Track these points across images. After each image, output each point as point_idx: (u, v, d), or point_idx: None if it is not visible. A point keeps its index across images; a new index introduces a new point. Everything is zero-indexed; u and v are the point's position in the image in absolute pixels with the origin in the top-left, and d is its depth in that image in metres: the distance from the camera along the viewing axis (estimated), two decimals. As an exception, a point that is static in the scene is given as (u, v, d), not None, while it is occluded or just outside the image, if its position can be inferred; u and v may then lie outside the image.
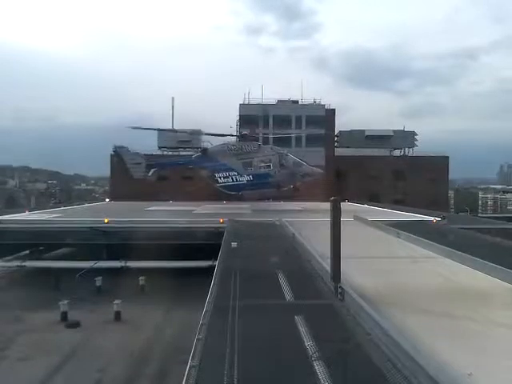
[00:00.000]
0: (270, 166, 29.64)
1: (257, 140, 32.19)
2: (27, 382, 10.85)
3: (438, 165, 58.60)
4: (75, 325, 14.79)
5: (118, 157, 31.78)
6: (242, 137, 31.60)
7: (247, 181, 29.66)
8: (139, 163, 30.99)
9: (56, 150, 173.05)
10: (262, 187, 30.87)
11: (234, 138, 32.90)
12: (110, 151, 48.62)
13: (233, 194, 30.74)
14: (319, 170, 32.03)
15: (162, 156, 53.54)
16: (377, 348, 5.10)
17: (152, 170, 31.36)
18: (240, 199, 30.33)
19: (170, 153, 58.02)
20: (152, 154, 48.20)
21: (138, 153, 33.65)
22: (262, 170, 29.61)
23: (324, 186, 32.10)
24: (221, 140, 32.77)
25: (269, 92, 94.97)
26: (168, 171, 38.27)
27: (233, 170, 29.74)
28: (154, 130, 41.78)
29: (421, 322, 6.18)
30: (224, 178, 29.83)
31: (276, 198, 31.04)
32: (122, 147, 31.75)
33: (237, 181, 29.74)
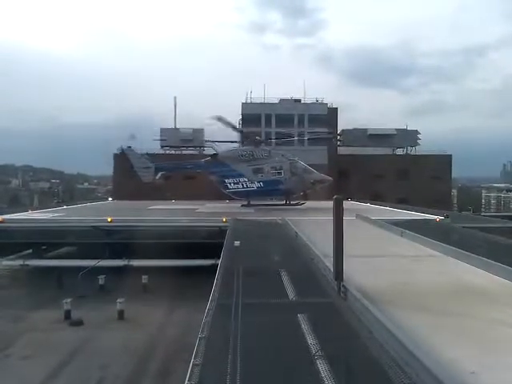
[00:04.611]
0: (280, 172, 29.54)
1: (259, 142, 32.07)
2: (30, 381, 10.89)
3: (440, 163, 58.56)
4: (78, 323, 14.84)
5: (125, 158, 31.48)
6: (254, 142, 31.40)
7: (257, 187, 29.51)
8: (148, 167, 30.73)
9: (59, 149, 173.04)
10: (272, 194, 30.91)
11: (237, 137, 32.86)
12: (113, 150, 48.75)
13: (242, 199, 30.69)
14: (329, 178, 31.97)
15: (166, 155, 53.63)
16: (379, 346, 5.09)
17: (160, 173, 31.23)
18: (248, 206, 30.05)
19: (173, 151, 58.22)
20: (155, 154, 48.25)
21: (145, 154, 33.60)
22: (273, 177, 29.49)
23: (327, 185, 32.04)
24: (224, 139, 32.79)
25: (273, 90, 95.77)
26: (175, 173, 38.13)
27: (243, 176, 29.55)
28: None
29: (424, 321, 6.16)
30: (234, 183, 29.65)
31: (284, 205, 30.75)
32: (129, 149, 31.45)
33: (247, 187, 29.58)
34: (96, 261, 19.16)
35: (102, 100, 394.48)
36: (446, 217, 22.02)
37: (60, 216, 24.00)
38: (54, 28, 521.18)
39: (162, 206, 31.25)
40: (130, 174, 32.10)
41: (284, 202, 30.70)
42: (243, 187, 29.62)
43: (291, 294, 7.74)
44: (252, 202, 30.11)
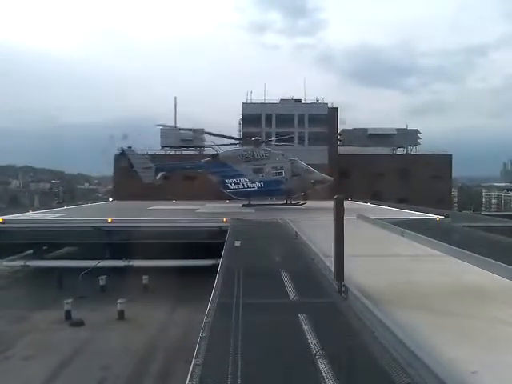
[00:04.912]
0: (281, 172, 29.54)
1: (260, 142, 32.05)
2: (31, 381, 10.89)
3: (441, 163, 58.55)
4: (79, 323, 14.85)
5: (126, 159, 31.38)
6: (253, 142, 31.37)
7: (258, 187, 29.50)
8: (149, 167, 30.61)
9: (59, 149, 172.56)
10: (273, 194, 30.92)
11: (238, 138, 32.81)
12: (114, 150, 48.59)
13: (243, 199, 30.67)
14: (329, 178, 32.02)
15: (166, 155, 53.63)
16: (380, 346, 5.08)
17: (160, 174, 31.21)
18: (249, 206, 30.03)
19: (173, 152, 58.20)
20: (156, 154, 48.21)
21: (145, 155, 33.57)
22: (273, 177, 29.49)
23: (327, 185, 32.06)
24: (225, 140, 32.74)
25: (274, 90, 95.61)
26: (176, 174, 38.07)
27: (243, 176, 29.53)
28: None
29: (425, 320, 6.15)
30: (235, 184, 29.63)
31: (285, 204, 30.73)
32: (129, 149, 31.34)
33: (247, 187, 29.56)
34: (97, 261, 19.17)
35: (102, 100, 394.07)
36: (447, 216, 22.02)
37: (61, 216, 23.98)
38: (53, 28, 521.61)
39: (163, 207, 31.27)
40: (130, 174, 32.05)
41: (284, 201, 30.69)
42: (244, 187, 29.60)
43: (292, 293, 7.73)
44: (252, 202, 30.08)
